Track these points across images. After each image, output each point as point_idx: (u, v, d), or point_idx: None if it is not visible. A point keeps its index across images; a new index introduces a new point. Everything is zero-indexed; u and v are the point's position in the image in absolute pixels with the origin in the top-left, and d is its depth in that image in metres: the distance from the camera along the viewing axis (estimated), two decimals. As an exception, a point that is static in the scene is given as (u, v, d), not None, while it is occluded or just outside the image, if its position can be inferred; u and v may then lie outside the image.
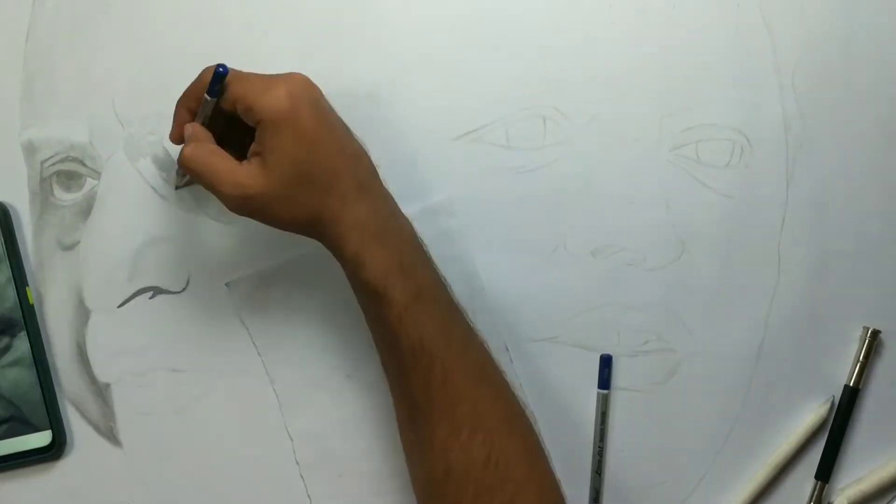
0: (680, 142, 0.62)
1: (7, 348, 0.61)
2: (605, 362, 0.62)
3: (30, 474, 0.63)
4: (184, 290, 0.63)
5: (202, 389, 0.63)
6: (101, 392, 0.63)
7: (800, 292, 0.63)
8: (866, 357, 0.62)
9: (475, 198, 0.62)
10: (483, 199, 0.62)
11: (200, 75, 0.55)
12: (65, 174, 0.63)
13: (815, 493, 0.62)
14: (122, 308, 0.63)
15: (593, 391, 0.63)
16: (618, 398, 0.63)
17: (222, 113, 0.55)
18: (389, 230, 0.54)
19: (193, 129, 0.55)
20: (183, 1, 0.62)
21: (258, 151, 0.53)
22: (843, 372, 0.62)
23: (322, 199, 0.53)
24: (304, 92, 0.53)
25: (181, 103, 0.56)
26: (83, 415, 0.63)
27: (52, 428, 0.62)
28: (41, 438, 0.62)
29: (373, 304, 0.54)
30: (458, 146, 0.62)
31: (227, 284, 0.62)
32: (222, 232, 0.62)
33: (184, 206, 0.62)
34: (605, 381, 0.62)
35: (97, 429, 0.63)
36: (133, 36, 0.62)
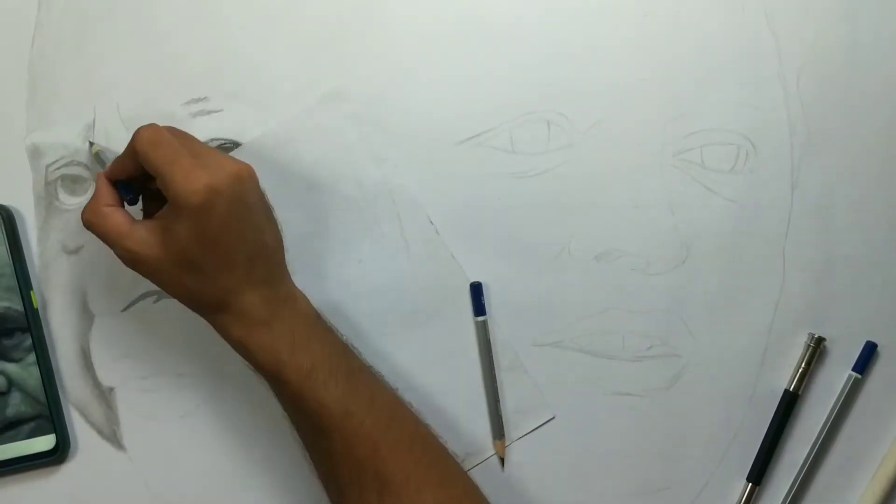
0: (684, 146, 0.62)
1: (30, 348, 0.61)
2: (477, 289, 0.62)
3: (34, 478, 0.62)
4: (188, 294, 0.63)
5: (206, 394, 0.63)
6: (105, 396, 0.63)
7: (804, 297, 0.63)
8: (808, 363, 0.62)
9: (479, 202, 0.62)
10: (487, 204, 0.62)
11: (136, 136, 0.53)
12: (70, 178, 0.63)
13: (745, 495, 0.63)
14: (126, 312, 0.63)
15: (598, 396, 0.62)
16: (622, 403, 0.63)
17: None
18: (278, 316, 0.55)
19: (98, 184, 0.56)
20: (187, 6, 0.62)
21: (161, 221, 0.53)
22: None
23: (206, 289, 0.54)
24: (225, 187, 0.52)
25: (120, 157, 0.56)
26: (87, 419, 0.63)
27: (55, 432, 0.62)
28: (45, 442, 0.62)
29: (272, 386, 0.56)
30: (462, 150, 0.62)
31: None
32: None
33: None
34: (480, 307, 0.62)
35: (101, 433, 0.63)
36: (138, 41, 0.62)
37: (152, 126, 0.54)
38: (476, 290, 0.62)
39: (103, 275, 0.63)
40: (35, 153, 0.63)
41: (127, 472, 0.63)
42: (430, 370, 0.62)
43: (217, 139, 0.62)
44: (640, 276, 0.62)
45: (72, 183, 0.63)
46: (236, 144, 0.62)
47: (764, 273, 0.62)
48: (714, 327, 0.62)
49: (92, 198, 0.56)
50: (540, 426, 0.63)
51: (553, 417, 0.62)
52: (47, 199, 0.63)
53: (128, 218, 0.55)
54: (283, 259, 0.57)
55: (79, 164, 0.62)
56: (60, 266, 0.63)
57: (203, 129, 0.61)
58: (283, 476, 0.63)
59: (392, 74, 0.62)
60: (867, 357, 0.62)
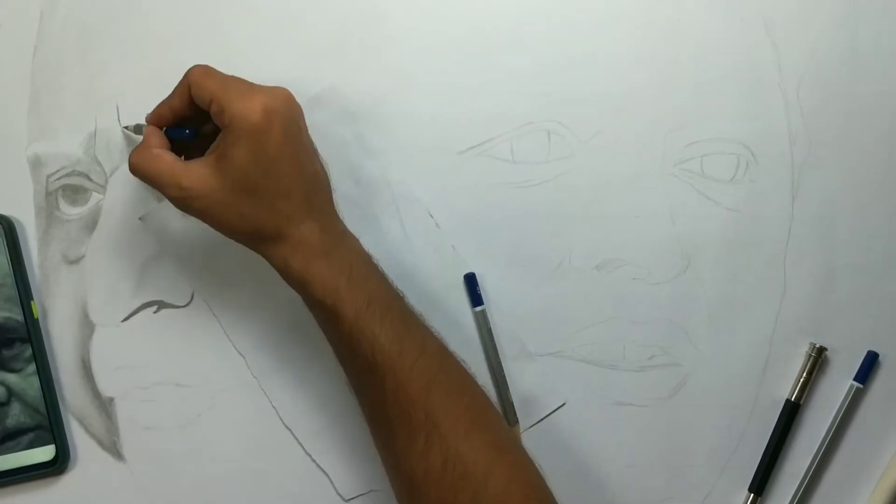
0: (685, 156, 0.62)
1: (30, 358, 0.61)
2: (471, 280, 0.62)
3: (33, 489, 0.62)
4: (188, 304, 0.63)
5: (206, 404, 0.63)
6: (105, 406, 0.63)
7: (806, 307, 0.63)
8: (810, 373, 0.62)
9: (480, 212, 0.62)
10: (488, 214, 0.62)
11: (188, 73, 0.55)
12: (71, 188, 0.63)
13: None
14: (126, 322, 0.63)
15: (597, 406, 0.62)
16: (624, 413, 0.62)
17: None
18: (335, 247, 0.55)
19: (146, 131, 0.56)
20: (189, 16, 0.62)
21: (215, 153, 0.53)
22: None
23: (266, 215, 0.54)
24: (281, 108, 0.53)
25: (166, 99, 0.56)
26: (87, 429, 0.63)
27: (55, 442, 0.61)
28: (45, 453, 0.61)
29: (325, 321, 0.55)
30: (463, 160, 0.62)
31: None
32: (227, 246, 0.62)
33: (189, 221, 0.62)
34: (476, 297, 0.62)
35: (101, 443, 0.63)
36: (139, 51, 0.62)
37: (202, 64, 0.55)
38: (470, 280, 0.62)
39: (104, 285, 0.63)
40: (36, 163, 0.63)
41: (127, 483, 0.63)
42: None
43: (218, 149, 0.62)
44: (641, 286, 0.62)
45: (73, 193, 0.63)
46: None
47: (765, 282, 0.62)
48: (715, 337, 0.62)
49: (138, 144, 0.55)
50: (552, 413, 0.62)
51: (564, 404, 0.62)
52: (48, 210, 0.63)
53: (178, 158, 0.55)
54: (332, 196, 0.57)
55: (80, 174, 0.62)
56: (61, 276, 0.63)
57: (204, 140, 0.62)
58: (282, 486, 0.63)
59: (394, 84, 0.62)
60: (868, 367, 0.62)
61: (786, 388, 0.62)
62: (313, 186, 0.55)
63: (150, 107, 0.61)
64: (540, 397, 0.62)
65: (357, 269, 0.55)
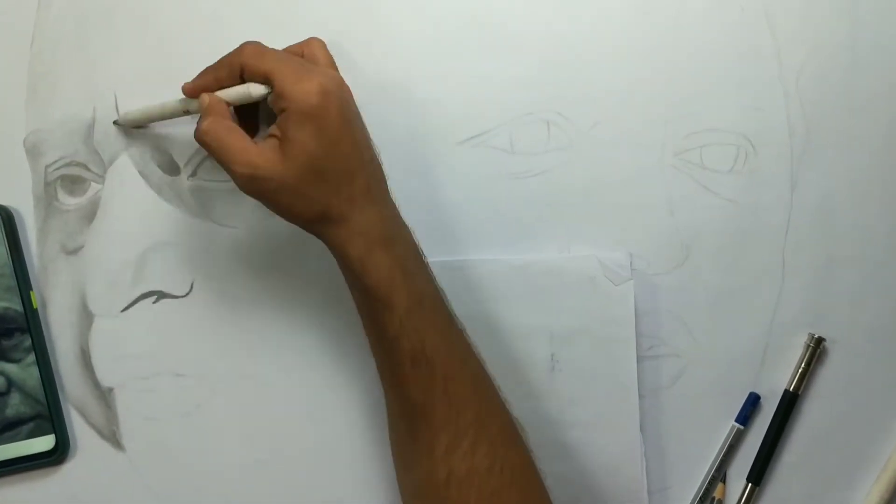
0: (684, 147, 0.62)
1: (30, 348, 0.61)
2: (752, 400, 0.62)
3: (33, 479, 0.62)
4: (188, 294, 0.63)
5: (206, 394, 0.63)
6: (105, 396, 0.63)
7: (804, 297, 0.63)
8: (808, 364, 0.62)
9: (479, 202, 0.62)
10: (487, 204, 0.62)
11: (241, 49, 0.54)
12: (69, 178, 0.63)
13: (745, 495, 0.63)
14: (125, 312, 0.63)
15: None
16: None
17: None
18: (394, 237, 0.54)
19: (211, 100, 0.54)
20: (187, 5, 0.62)
21: (277, 136, 0.53)
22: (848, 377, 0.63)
23: (331, 198, 0.53)
24: (337, 90, 0.53)
25: (211, 69, 0.55)
26: (86, 419, 0.63)
27: (55, 432, 0.62)
28: (45, 443, 0.62)
29: (374, 310, 0.54)
30: (462, 150, 0.62)
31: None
32: (227, 236, 0.62)
33: (188, 211, 0.62)
34: (744, 417, 0.62)
35: (100, 433, 0.63)
36: (137, 40, 0.62)
37: (255, 41, 0.54)
38: None
39: (103, 275, 0.62)
40: (34, 153, 0.63)
41: (126, 473, 0.63)
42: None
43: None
44: (640, 277, 0.62)
45: (71, 183, 0.63)
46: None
47: (764, 273, 0.63)
48: (714, 327, 0.63)
49: (207, 113, 0.54)
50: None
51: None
52: (46, 200, 0.63)
53: (248, 137, 0.53)
54: (388, 184, 0.57)
55: (78, 164, 0.62)
56: (60, 266, 0.63)
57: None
58: (283, 476, 0.63)
59: (392, 74, 0.62)
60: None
61: (784, 378, 0.63)
62: (373, 171, 0.55)
63: (148, 97, 0.61)
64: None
65: (412, 261, 0.55)
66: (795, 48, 0.62)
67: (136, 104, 0.61)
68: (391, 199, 0.56)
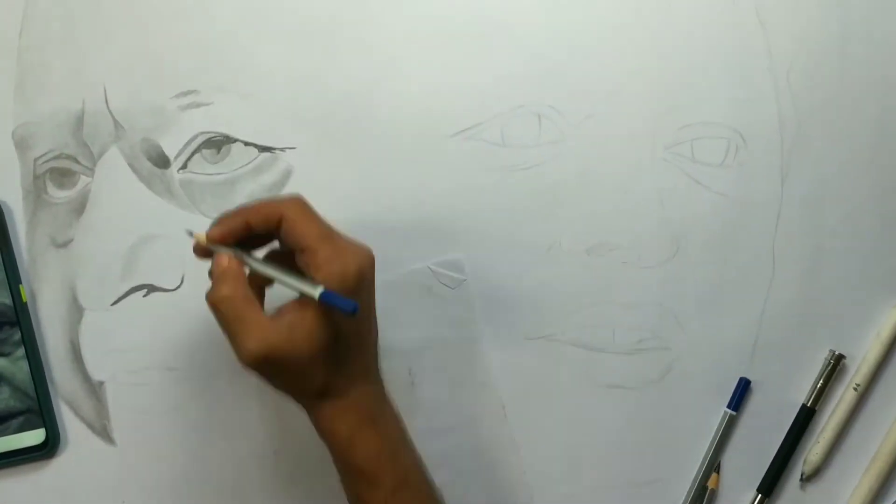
0: (675, 140, 0.62)
1: (19, 342, 0.61)
2: (743, 385, 0.62)
3: (23, 473, 0.62)
4: (178, 287, 0.63)
5: (196, 388, 0.62)
6: (95, 390, 0.63)
7: (794, 290, 0.63)
8: (827, 380, 0.62)
9: (470, 196, 0.62)
10: (478, 197, 0.62)
11: (285, 202, 0.51)
12: (58, 171, 0.62)
13: None
14: (115, 306, 0.62)
15: (587, 389, 0.63)
16: (613, 396, 0.63)
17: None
18: (383, 414, 0.54)
19: (230, 263, 0.51)
20: (177, -2, 0.62)
21: (303, 312, 0.50)
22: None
23: (335, 377, 0.52)
24: (369, 273, 0.51)
25: (243, 213, 0.52)
26: (77, 413, 0.63)
27: (45, 426, 0.61)
28: (35, 437, 0.61)
29: (357, 485, 0.53)
30: (453, 144, 0.62)
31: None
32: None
33: (178, 204, 0.62)
34: (736, 402, 0.62)
35: (91, 427, 0.63)
36: (127, 33, 0.62)
37: (300, 197, 0.51)
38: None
39: (93, 268, 0.62)
40: (23, 146, 0.62)
41: (117, 467, 0.62)
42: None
43: (207, 132, 0.61)
44: (631, 270, 0.62)
45: (60, 176, 0.62)
46: (227, 138, 0.61)
47: (754, 266, 0.63)
48: (704, 320, 0.63)
49: (224, 278, 0.50)
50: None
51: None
52: (36, 193, 0.62)
53: (262, 310, 0.51)
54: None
55: (67, 157, 0.62)
56: (49, 260, 0.63)
57: (192, 123, 0.61)
58: (273, 470, 0.63)
59: (383, 67, 0.62)
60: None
61: (775, 371, 0.63)
62: (375, 350, 0.54)
63: (137, 90, 0.61)
64: (530, 381, 0.63)
65: (399, 440, 0.54)
66: (786, 42, 0.62)
67: (125, 97, 0.61)
68: (379, 371, 0.56)
